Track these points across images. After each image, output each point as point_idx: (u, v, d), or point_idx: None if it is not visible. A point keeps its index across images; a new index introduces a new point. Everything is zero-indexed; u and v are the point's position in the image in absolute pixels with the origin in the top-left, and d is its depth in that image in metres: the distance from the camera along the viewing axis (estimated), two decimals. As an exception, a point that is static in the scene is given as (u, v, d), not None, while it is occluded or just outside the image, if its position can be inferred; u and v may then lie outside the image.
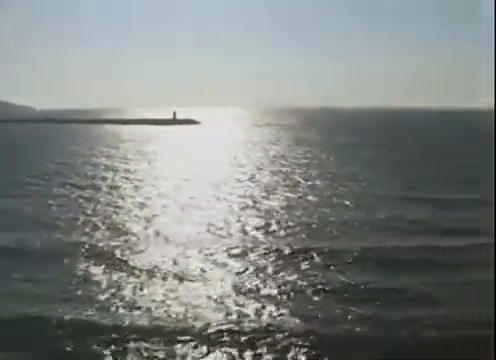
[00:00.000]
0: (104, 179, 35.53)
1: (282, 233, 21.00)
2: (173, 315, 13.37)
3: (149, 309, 13.70)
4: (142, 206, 26.22)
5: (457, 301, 14.37)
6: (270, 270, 16.66)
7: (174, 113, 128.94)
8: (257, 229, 21.57)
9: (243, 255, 18.12)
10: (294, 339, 12.09)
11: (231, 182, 34.43)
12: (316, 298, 14.53)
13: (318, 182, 34.16)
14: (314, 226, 22.16)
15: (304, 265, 17.13)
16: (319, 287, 15.22)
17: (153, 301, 14.20)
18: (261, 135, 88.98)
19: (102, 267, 16.89)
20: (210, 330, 12.51)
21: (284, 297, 14.58)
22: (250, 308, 13.75)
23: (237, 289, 15.08)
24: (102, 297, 14.48)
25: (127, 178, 36.19)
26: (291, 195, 29.47)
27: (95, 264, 17.19)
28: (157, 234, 20.85)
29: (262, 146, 64.64)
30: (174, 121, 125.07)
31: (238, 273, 16.43)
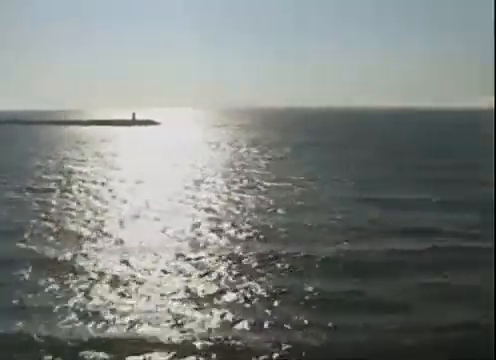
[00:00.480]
0: (59, 182, 34.95)
1: (238, 236, 20.88)
2: (124, 322, 13.16)
3: (100, 316, 13.48)
4: (96, 209, 25.87)
5: (415, 305, 14.43)
6: (224, 274, 16.51)
7: (133, 114, 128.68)
8: (212, 232, 21.43)
9: (197, 259, 17.94)
10: (250, 346, 12.01)
11: (188, 183, 34.22)
12: (269, 303, 14.39)
13: (275, 183, 34.22)
14: (271, 227, 22.11)
15: (258, 269, 17.04)
16: (274, 292, 15.10)
17: (103, 307, 13.99)
18: (219, 135, 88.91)
19: (54, 272, 16.53)
20: (161, 339, 12.35)
21: (238, 302, 14.49)
22: (203, 314, 13.66)
23: (191, 294, 14.97)
24: (51, 304, 14.19)
25: (83, 181, 35.63)
26: (247, 196, 29.47)
27: (46, 269, 16.87)
28: (110, 238, 20.61)
29: (220, 147, 64.66)
30: (133, 122, 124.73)
31: (191, 277, 16.28)
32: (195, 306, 14.12)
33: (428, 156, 51.20)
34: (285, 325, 13.03)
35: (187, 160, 48.73)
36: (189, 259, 17.93)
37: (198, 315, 13.55)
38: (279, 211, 25.45)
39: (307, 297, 14.78)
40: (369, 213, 24.97)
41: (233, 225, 22.48)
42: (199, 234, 21.18)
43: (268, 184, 33.98)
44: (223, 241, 20.22)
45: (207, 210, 25.73)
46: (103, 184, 34.40)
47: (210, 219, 23.77)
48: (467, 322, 13.16)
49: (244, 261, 17.78)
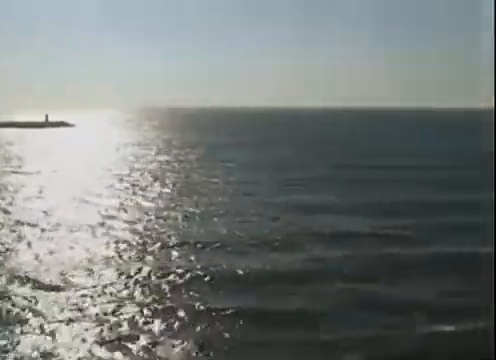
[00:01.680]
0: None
1: (142, 247, 19.72)
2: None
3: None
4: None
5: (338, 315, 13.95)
6: (122, 289, 15.44)
7: (46, 116, 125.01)
8: (115, 243, 20.13)
9: (98, 272, 16.78)
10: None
11: (94, 188, 32.74)
12: (172, 320, 13.46)
13: (187, 186, 33.55)
14: (179, 235, 21.19)
15: (160, 282, 16.03)
16: (177, 307, 14.11)
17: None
18: (133, 137, 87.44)
19: None
20: None
21: (131, 318, 13.54)
22: (100, 333, 12.82)
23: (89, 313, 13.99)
24: None
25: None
26: (157, 202, 28.57)
27: None
28: (6, 249, 19.34)
29: (132, 149, 62.99)
30: (46, 124, 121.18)
31: (91, 292, 15.20)
32: (94, 323, 13.17)
33: (361, 156, 51.76)
34: (189, 345, 12.15)
35: (96, 163, 47.14)
36: (88, 272, 16.82)
37: (97, 334, 12.61)
38: (189, 217, 24.66)
39: (215, 314, 13.78)
40: (287, 217, 24.44)
41: (139, 234, 21.37)
42: (100, 245, 19.90)
43: (179, 185, 33.53)
44: (125, 253, 18.98)
45: (111, 218, 24.47)
46: (6, 189, 32.57)
47: (114, 228, 22.43)
48: (399, 332, 12.87)
49: (144, 273, 16.72)
